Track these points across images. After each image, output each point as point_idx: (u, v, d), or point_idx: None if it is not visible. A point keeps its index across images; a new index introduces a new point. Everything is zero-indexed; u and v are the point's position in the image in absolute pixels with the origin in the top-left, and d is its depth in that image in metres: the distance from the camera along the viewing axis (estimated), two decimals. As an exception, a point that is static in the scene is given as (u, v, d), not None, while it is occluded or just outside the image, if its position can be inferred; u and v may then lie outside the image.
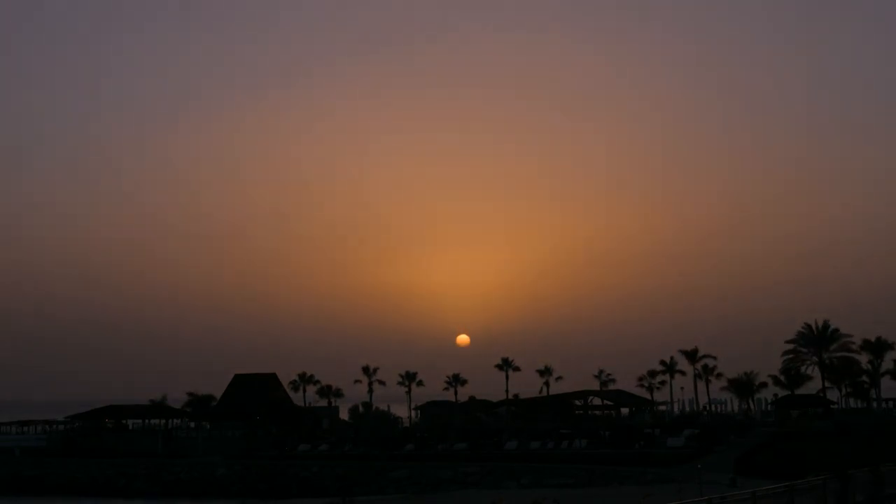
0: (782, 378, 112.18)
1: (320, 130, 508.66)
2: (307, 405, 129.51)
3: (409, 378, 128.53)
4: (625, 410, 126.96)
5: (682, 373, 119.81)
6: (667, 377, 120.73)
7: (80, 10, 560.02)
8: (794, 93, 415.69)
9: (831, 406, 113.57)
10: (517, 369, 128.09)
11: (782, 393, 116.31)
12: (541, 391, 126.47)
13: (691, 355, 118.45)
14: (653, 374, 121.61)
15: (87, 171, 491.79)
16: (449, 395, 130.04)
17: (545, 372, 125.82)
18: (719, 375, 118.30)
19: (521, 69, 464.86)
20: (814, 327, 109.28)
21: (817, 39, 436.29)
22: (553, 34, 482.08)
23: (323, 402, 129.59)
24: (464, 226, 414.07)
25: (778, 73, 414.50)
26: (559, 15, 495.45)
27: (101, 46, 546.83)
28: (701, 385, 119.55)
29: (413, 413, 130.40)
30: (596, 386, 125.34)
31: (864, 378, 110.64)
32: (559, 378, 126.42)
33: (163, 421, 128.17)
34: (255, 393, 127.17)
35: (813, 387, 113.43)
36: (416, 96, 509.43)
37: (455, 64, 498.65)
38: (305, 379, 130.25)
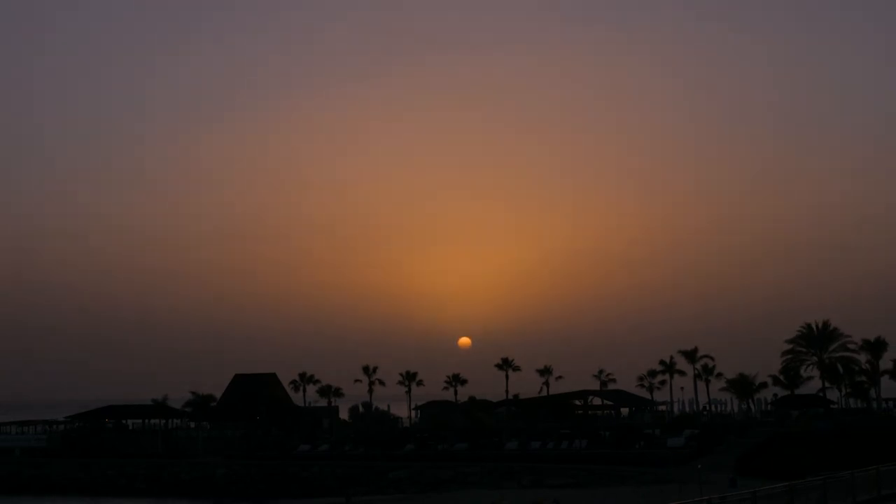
0: (782, 378, 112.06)
1: (321, 132, 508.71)
2: (307, 405, 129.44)
3: (409, 378, 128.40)
4: (625, 410, 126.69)
5: (682, 373, 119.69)
6: (667, 377, 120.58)
7: (123, 11, 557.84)
8: (796, 89, 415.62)
9: (831, 406, 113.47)
10: (517, 369, 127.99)
11: (782, 393, 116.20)
12: (541, 391, 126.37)
13: (691, 355, 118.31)
14: (653, 374, 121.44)
15: (89, 168, 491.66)
16: (449, 395, 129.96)
17: (545, 372, 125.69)
18: (719, 375, 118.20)
19: (521, 75, 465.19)
20: (814, 327, 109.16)
21: (785, 37, 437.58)
22: (547, 44, 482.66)
23: (323, 402, 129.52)
24: (464, 227, 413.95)
25: (784, 68, 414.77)
26: (550, 27, 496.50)
27: (141, 49, 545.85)
28: (701, 385, 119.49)
29: (413, 413, 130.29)
30: (596, 386, 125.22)
31: (864, 378, 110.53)
32: (559, 378, 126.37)
33: (163, 421, 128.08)
34: (255, 393, 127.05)
35: (813, 387, 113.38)
36: (417, 101, 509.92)
37: (457, 72, 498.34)
38: (305, 379, 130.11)
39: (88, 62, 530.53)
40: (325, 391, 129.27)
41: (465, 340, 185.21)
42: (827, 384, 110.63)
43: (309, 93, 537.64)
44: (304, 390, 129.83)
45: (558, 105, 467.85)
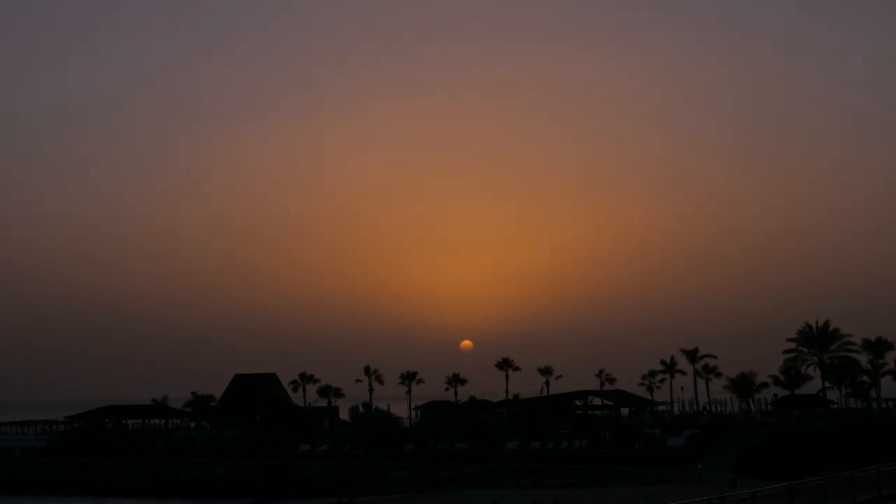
0: (782, 378, 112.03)
1: (322, 133, 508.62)
2: (307, 405, 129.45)
3: (409, 378, 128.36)
4: (625, 410, 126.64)
5: (683, 372, 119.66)
6: (667, 377, 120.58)
7: (173, 14, 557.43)
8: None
9: (831, 406, 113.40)
10: (517, 369, 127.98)
11: (782, 393, 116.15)
12: (541, 391, 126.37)
13: (691, 355, 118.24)
14: (653, 374, 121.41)
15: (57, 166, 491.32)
16: (449, 395, 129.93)
17: (545, 371, 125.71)
18: (719, 375, 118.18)
19: (523, 75, 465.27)
20: (814, 327, 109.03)
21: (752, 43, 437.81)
22: (551, 41, 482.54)
23: (323, 402, 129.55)
24: (466, 228, 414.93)
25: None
26: (554, 23, 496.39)
27: (190, 59, 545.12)
28: (701, 385, 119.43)
29: (413, 413, 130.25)
30: (596, 386, 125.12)
31: (865, 378, 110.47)
32: (559, 378, 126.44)
33: (163, 421, 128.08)
34: (255, 393, 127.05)
35: (813, 387, 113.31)
36: (419, 102, 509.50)
37: (458, 71, 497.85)
38: (305, 379, 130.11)
39: (132, 65, 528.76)
40: (325, 391, 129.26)
41: (466, 343, 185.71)
42: (827, 384, 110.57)
43: (310, 94, 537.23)
44: (304, 390, 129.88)
45: (561, 105, 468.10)
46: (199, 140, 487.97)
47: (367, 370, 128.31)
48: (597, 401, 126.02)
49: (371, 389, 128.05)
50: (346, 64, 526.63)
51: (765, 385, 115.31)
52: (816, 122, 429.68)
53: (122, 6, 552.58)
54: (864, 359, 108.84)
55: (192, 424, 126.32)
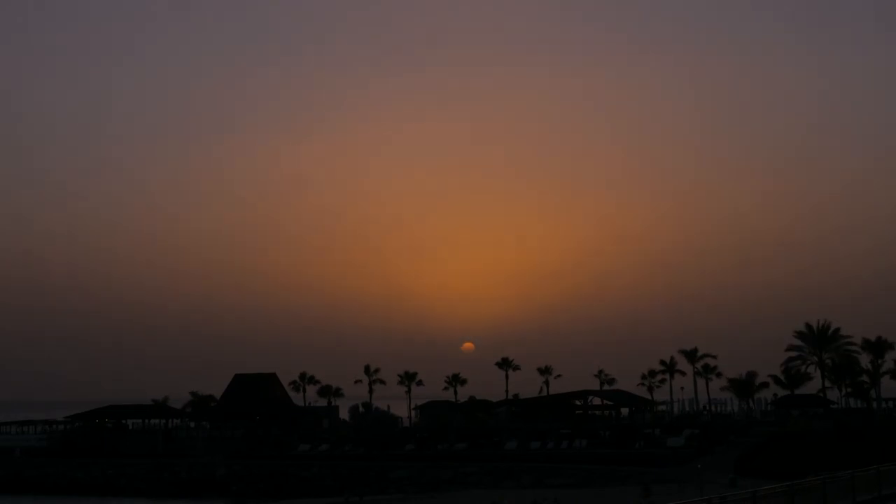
0: (782, 378, 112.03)
1: (323, 133, 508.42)
2: (307, 405, 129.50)
3: (409, 378, 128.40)
4: (625, 410, 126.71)
5: (682, 373, 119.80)
6: (667, 377, 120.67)
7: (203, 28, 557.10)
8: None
9: (831, 406, 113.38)
10: (517, 369, 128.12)
11: (782, 393, 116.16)
12: (541, 391, 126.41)
13: (691, 355, 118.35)
14: (653, 374, 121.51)
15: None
16: (449, 395, 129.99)
17: (545, 371, 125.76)
18: (719, 375, 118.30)
19: (526, 84, 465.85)
20: (814, 327, 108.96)
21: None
22: (548, 54, 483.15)
23: (323, 402, 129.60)
24: (466, 228, 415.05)
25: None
26: (549, 36, 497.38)
27: (237, 69, 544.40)
28: (701, 385, 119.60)
29: (413, 413, 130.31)
30: (596, 386, 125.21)
31: (865, 378, 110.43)
32: (559, 377, 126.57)
33: (163, 421, 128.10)
34: (255, 393, 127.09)
35: (813, 387, 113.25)
36: (422, 106, 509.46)
37: (466, 80, 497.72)
38: (305, 379, 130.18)
39: (168, 70, 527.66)
40: (325, 391, 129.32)
41: (468, 345, 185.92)
42: (827, 384, 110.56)
43: (321, 92, 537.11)
44: (304, 390, 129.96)
45: (560, 107, 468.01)
46: (231, 143, 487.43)
47: (367, 370, 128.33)
48: (597, 401, 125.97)
49: (371, 389, 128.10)
50: (372, 83, 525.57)
51: (765, 385, 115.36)
52: (823, 122, 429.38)
53: (164, 8, 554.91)
54: (864, 359, 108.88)
55: (192, 424, 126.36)
